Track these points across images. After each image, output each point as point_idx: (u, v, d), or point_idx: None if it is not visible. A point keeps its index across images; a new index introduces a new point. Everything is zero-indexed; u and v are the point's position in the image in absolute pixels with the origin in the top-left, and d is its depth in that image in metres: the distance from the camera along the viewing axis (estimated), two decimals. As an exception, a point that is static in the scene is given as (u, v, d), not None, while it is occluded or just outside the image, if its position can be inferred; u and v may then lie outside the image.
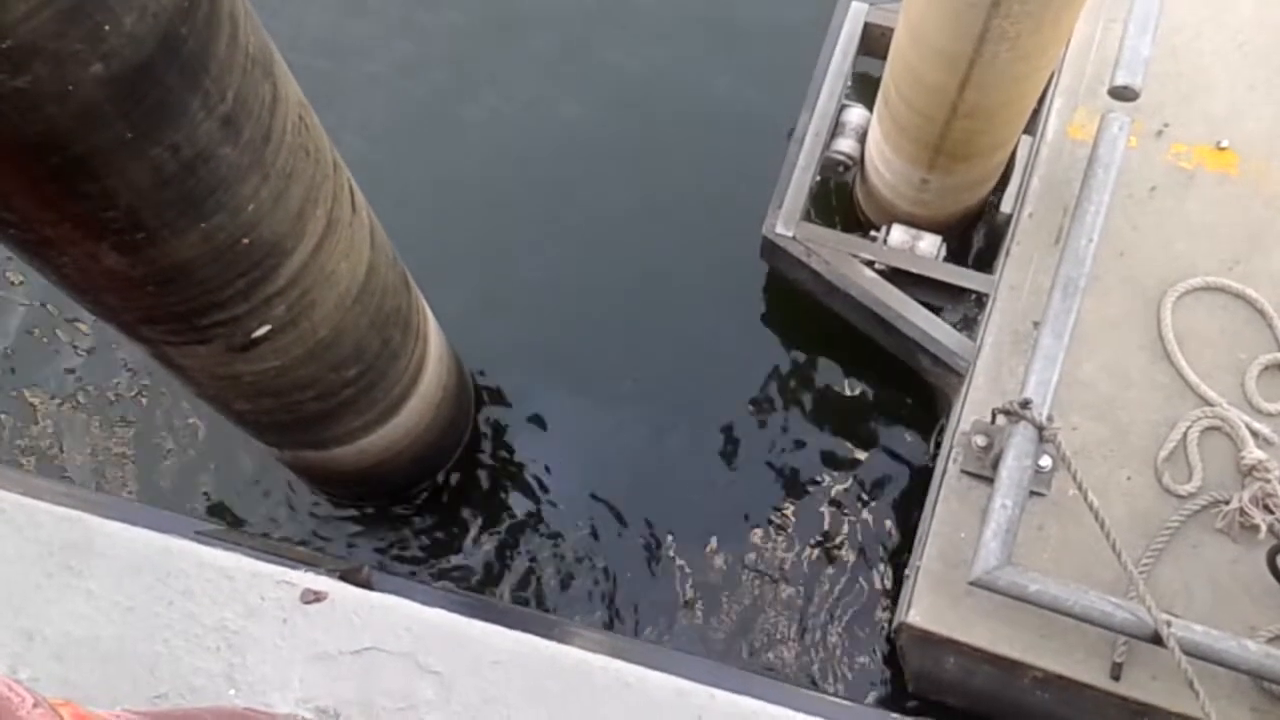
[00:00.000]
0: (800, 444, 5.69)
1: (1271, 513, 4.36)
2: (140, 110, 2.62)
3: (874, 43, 5.52)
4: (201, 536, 2.95)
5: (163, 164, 2.78)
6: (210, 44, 2.73)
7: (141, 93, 2.59)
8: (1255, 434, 4.56)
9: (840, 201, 5.99)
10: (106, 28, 2.42)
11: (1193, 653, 3.95)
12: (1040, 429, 4.22)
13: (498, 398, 5.88)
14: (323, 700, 2.66)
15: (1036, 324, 4.62)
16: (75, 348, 5.89)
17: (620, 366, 5.88)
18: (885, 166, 5.22)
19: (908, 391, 5.61)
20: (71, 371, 5.88)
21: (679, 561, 5.56)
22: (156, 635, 2.70)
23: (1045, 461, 4.41)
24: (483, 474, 5.77)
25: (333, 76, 6.33)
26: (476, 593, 5.51)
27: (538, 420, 5.83)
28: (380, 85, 6.42)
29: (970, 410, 4.70)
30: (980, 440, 4.56)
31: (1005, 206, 5.22)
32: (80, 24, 2.36)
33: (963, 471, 4.59)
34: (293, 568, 2.83)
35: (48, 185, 2.70)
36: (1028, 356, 4.49)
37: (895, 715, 4.21)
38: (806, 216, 5.36)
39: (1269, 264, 4.86)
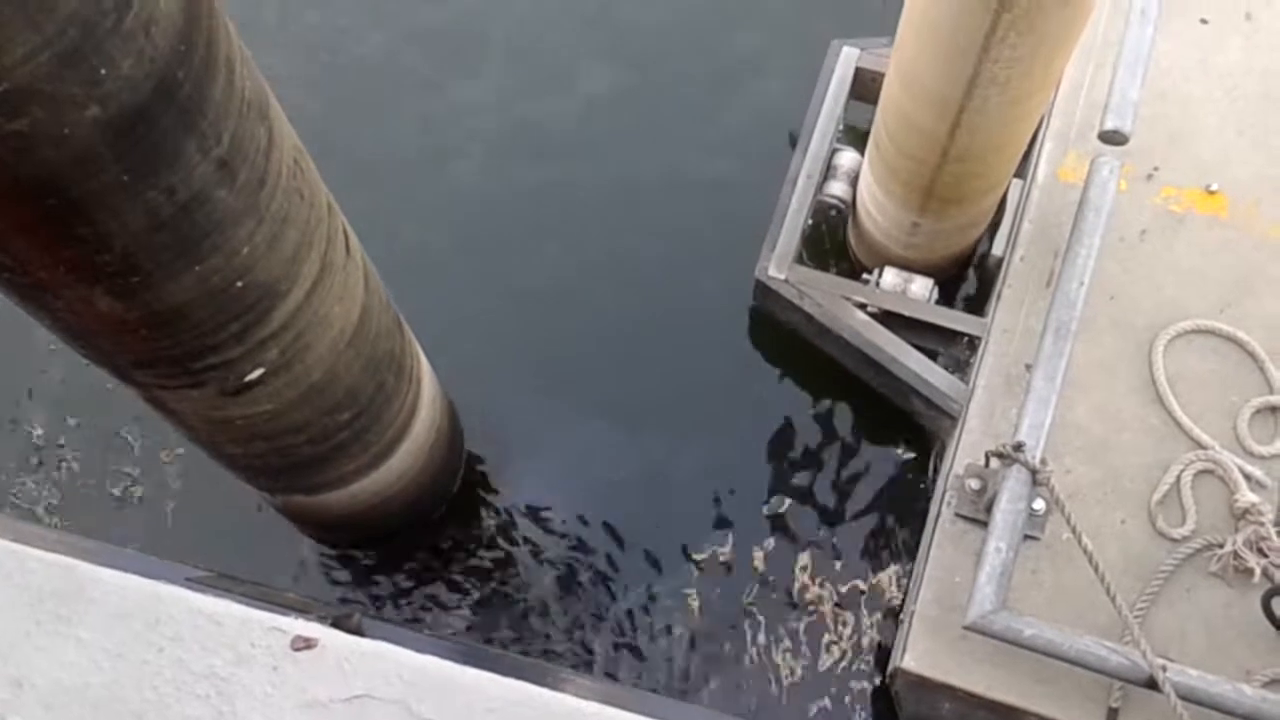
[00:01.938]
0: (792, 486, 5.67)
1: (1265, 556, 4.35)
2: (136, 153, 2.62)
3: (865, 87, 5.56)
4: (192, 583, 2.92)
5: (158, 207, 2.78)
6: (207, 87, 2.74)
7: (138, 136, 2.59)
8: (1248, 477, 4.56)
9: (833, 244, 6.01)
10: (103, 71, 2.42)
11: (1188, 697, 3.93)
12: (1034, 472, 4.21)
13: (490, 440, 5.86)
14: (314, 748, 2.62)
15: (1029, 367, 4.63)
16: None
17: (612, 407, 5.87)
18: (877, 210, 5.24)
19: (900, 434, 5.60)
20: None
21: (670, 604, 5.52)
22: (146, 682, 2.66)
23: (1039, 505, 4.39)
24: (474, 517, 5.73)
25: (323, 118, 6.35)
26: (469, 638, 5.46)
27: (530, 462, 5.81)
28: (371, 126, 6.45)
29: (963, 453, 4.70)
30: (974, 484, 4.55)
31: (996, 250, 5.24)
32: (77, 67, 2.36)
33: (956, 515, 4.58)
34: (283, 614, 2.79)
35: (43, 228, 2.70)
36: (1020, 399, 4.49)
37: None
38: (799, 259, 5.38)
39: (1260, 307, 4.88)
